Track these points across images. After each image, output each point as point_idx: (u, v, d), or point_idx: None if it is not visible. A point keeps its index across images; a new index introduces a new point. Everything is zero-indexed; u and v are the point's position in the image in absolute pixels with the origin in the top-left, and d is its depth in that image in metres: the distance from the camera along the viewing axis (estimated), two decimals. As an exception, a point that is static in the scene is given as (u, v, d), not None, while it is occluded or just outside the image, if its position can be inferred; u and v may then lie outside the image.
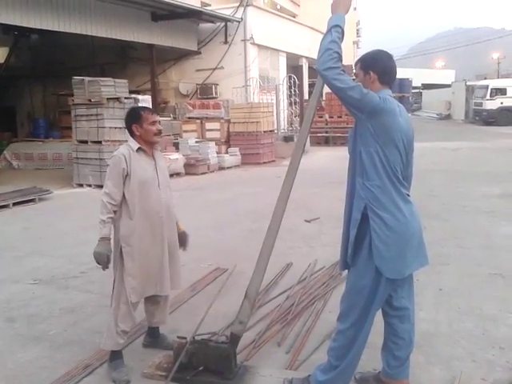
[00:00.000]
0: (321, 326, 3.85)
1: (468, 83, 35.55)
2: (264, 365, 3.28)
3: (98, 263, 3.14)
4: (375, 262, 2.60)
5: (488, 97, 29.74)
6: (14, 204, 9.30)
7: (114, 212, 3.18)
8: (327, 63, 2.55)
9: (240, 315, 3.06)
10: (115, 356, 3.27)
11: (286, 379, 2.95)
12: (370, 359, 3.14)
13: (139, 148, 3.28)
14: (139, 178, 3.22)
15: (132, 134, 3.33)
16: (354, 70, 2.84)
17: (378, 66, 2.71)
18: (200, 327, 3.46)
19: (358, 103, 2.55)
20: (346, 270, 2.86)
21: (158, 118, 3.41)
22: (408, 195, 2.70)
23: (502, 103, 29.29)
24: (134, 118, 3.32)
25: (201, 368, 3.05)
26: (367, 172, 2.61)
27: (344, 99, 2.60)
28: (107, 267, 3.16)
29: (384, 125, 2.57)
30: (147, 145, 3.33)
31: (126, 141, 3.42)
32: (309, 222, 7.32)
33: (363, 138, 2.62)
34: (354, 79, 2.71)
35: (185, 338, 3.15)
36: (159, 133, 3.36)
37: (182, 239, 3.59)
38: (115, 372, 3.20)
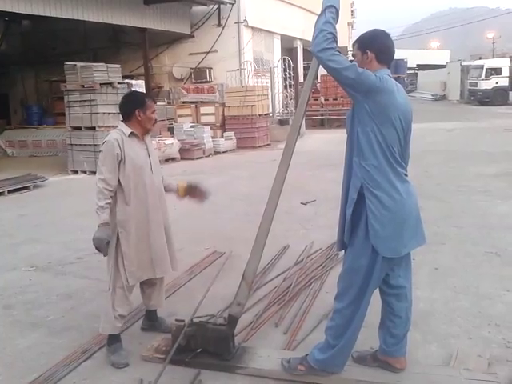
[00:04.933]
0: (318, 306, 3.87)
1: (463, 63, 35.40)
2: (262, 345, 3.30)
3: (98, 249, 3.09)
4: (371, 241, 2.60)
5: (483, 77, 29.62)
6: (9, 191, 9.27)
7: (111, 197, 3.16)
8: (322, 44, 2.53)
9: (238, 297, 3.07)
10: (113, 340, 3.28)
11: (283, 359, 2.97)
12: (367, 338, 3.16)
13: (131, 133, 3.25)
14: (133, 163, 3.20)
15: (129, 118, 3.27)
16: (352, 51, 2.81)
17: (375, 45, 2.68)
18: (198, 310, 3.49)
19: (354, 83, 2.53)
20: (343, 251, 2.87)
21: (155, 107, 3.42)
22: (406, 175, 2.70)
23: (497, 83, 29.22)
24: (138, 103, 3.28)
25: (199, 350, 3.08)
26: (364, 152, 2.61)
27: (340, 80, 2.58)
28: (107, 253, 3.14)
29: (381, 104, 2.55)
30: (142, 131, 3.31)
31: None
32: (305, 204, 7.32)
33: (360, 118, 2.61)
34: (351, 60, 2.69)
35: (183, 321, 3.16)
36: (156, 122, 3.38)
37: (198, 191, 3.59)
38: (114, 356, 3.22)
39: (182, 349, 3.06)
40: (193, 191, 3.60)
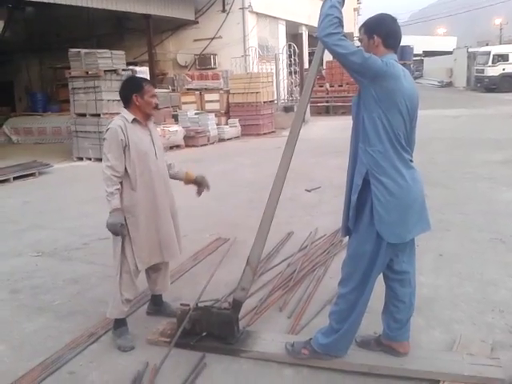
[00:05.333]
0: (322, 291, 3.89)
1: (470, 50, 35.07)
2: (266, 329, 3.33)
3: (114, 234, 3.13)
4: (376, 227, 2.60)
5: (490, 63, 29.36)
6: (15, 178, 9.33)
7: (119, 183, 3.17)
8: (327, 29, 2.51)
9: (242, 282, 3.09)
10: (120, 324, 3.32)
11: (287, 343, 2.99)
12: (371, 323, 3.17)
13: (134, 119, 3.25)
14: (138, 149, 3.21)
15: (128, 104, 3.28)
16: (358, 36, 2.78)
17: (382, 29, 2.65)
18: (203, 295, 3.52)
19: (360, 68, 2.52)
20: (348, 237, 2.87)
21: (155, 91, 3.39)
22: (411, 161, 2.69)
23: (503, 69, 28.95)
24: (135, 87, 3.27)
25: (204, 334, 3.11)
26: (369, 138, 2.60)
27: (346, 65, 2.57)
28: (125, 235, 3.17)
29: (387, 89, 2.53)
30: (143, 116, 3.31)
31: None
32: (309, 191, 7.32)
33: (366, 104, 2.59)
34: (358, 46, 2.67)
35: (188, 305, 3.19)
36: (156, 106, 3.36)
37: (202, 182, 3.62)
38: (120, 339, 3.26)
39: (187, 332, 3.10)
40: (197, 184, 3.63)
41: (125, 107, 3.31)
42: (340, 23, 2.53)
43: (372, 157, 2.59)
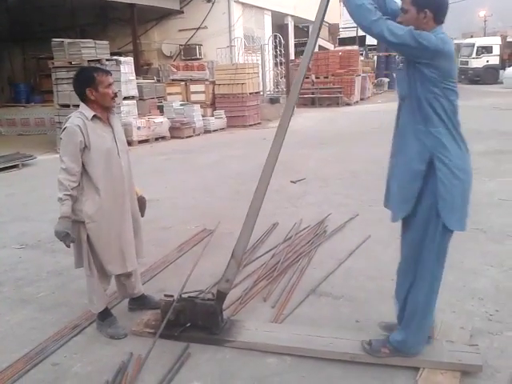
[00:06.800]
0: (305, 281, 3.93)
1: (454, 42, 35.08)
2: (250, 319, 3.36)
3: (61, 241, 3.00)
4: (441, 213, 2.48)
5: (474, 55, 29.59)
6: (-2, 170, 9.22)
7: (73, 188, 2.99)
8: (368, 17, 2.39)
9: (226, 273, 3.11)
10: (106, 314, 3.31)
11: (364, 341, 2.86)
12: (353, 312, 3.23)
13: (94, 115, 3.05)
14: (100, 149, 3.03)
15: (85, 99, 3.07)
16: (401, 5, 2.50)
17: (436, 3, 2.43)
18: (187, 286, 3.53)
19: (415, 51, 2.37)
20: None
21: (112, 79, 3.15)
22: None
23: (487, 61, 29.22)
24: (86, 80, 3.04)
25: (188, 324, 3.12)
26: (430, 118, 2.47)
27: (399, 50, 2.47)
28: (69, 245, 3.02)
29: (444, 68, 2.42)
30: (103, 110, 3.10)
31: None
32: (294, 182, 7.35)
33: (423, 84, 2.44)
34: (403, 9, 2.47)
35: (172, 296, 3.20)
36: (116, 96, 3.15)
37: (141, 205, 3.44)
38: (111, 328, 3.25)
39: (171, 323, 3.10)
40: (141, 202, 3.46)
41: (83, 102, 3.10)
42: (374, 7, 2.41)
43: (436, 138, 2.46)
